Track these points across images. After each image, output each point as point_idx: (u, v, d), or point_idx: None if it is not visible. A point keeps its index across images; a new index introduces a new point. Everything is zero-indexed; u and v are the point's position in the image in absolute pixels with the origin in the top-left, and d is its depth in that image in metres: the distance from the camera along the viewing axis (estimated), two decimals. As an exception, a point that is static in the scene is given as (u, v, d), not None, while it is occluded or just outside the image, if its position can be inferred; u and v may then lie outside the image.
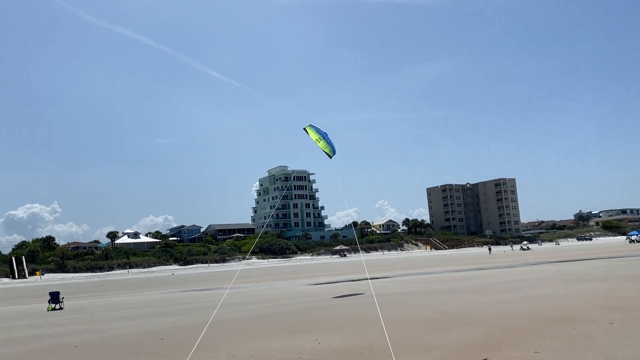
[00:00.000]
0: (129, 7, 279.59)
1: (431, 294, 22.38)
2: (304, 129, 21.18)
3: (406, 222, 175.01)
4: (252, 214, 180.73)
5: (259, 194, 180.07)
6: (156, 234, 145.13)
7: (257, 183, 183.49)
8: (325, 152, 21.15)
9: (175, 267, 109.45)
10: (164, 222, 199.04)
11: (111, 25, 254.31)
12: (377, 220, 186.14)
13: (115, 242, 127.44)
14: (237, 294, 30.54)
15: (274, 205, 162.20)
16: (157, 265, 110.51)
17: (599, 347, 9.60)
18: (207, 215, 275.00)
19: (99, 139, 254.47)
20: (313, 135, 20.92)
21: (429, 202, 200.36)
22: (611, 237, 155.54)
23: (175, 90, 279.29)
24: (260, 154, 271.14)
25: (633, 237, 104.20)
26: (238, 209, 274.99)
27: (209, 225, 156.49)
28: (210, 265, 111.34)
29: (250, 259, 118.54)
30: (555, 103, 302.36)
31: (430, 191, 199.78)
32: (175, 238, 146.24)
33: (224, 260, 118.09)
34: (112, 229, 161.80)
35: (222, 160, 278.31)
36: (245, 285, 38.60)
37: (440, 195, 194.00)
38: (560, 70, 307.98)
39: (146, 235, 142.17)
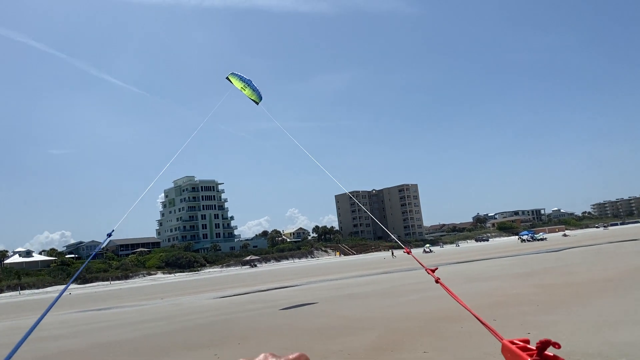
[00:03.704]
0: (19, 10, 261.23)
1: (333, 300, 22.76)
2: (227, 78, 20.06)
3: (316, 229, 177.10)
4: (157, 227, 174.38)
5: (164, 206, 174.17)
6: (51, 252, 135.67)
7: (162, 194, 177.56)
8: (252, 100, 20.47)
9: (73, 286, 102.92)
10: (61, 238, 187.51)
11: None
12: (288, 229, 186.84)
13: (5, 262, 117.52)
14: (138, 311, 29.29)
15: (181, 217, 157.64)
16: (52, 285, 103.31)
17: (480, 343, 10.23)
18: (107, 230, 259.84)
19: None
20: (237, 84, 19.82)
21: (338, 208, 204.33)
22: (505, 238, 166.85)
23: (72, 98, 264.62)
24: (165, 164, 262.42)
25: (524, 237, 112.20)
26: (141, 222, 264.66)
27: (110, 241, 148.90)
28: (112, 282, 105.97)
29: (155, 274, 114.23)
30: (453, 113, 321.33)
31: (339, 198, 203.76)
32: (73, 255, 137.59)
33: (126, 277, 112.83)
34: (1, 248, 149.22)
35: (124, 172, 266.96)
36: (147, 302, 37.10)
37: (348, 202, 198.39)
38: (457, 81, 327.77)
39: (40, 253, 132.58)
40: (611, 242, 54.53)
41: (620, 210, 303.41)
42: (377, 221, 8.38)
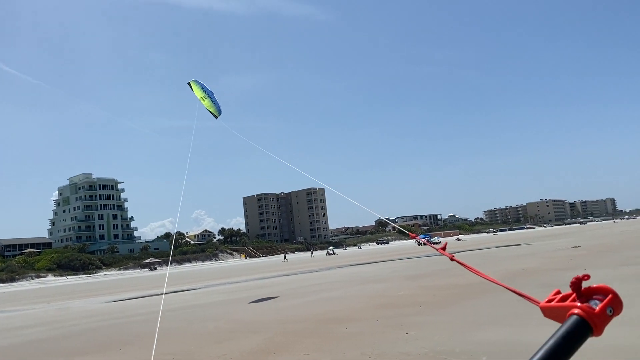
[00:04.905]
0: None
1: (228, 304, 22.59)
2: (188, 83, 18.79)
3: (222, 231, 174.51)
4: (50, 227, 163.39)
5: (57, 205, 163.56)
6: None
7: (57, 192, 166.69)
8: (211, 112, 18.89)
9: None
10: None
11: None
12: (193, 231, 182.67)
13: None
14: (18, 316, 27.35)
15: (76, 217, 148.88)
16: None
17: (360, 344, 10.63)
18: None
19: None
20: (198, 93, 18.56)
21: (245, 211, 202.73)
22: (405, 241, 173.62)
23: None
24: (60, 160, 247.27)
25: (421, 241, 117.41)
26: (32, 221, 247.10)
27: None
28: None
29: (45, 276, 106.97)
30: (359, 120, 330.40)
31: (247, 200, 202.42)
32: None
33: (12, 280, 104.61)
34: None
35: (13, 167, 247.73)
36: (32, 307, 34.72)
37: (256, 204, 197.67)
38: (364, 89, 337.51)
39: None
40: (498, 247, 58.53)
41: (509, 217, 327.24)
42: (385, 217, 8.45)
